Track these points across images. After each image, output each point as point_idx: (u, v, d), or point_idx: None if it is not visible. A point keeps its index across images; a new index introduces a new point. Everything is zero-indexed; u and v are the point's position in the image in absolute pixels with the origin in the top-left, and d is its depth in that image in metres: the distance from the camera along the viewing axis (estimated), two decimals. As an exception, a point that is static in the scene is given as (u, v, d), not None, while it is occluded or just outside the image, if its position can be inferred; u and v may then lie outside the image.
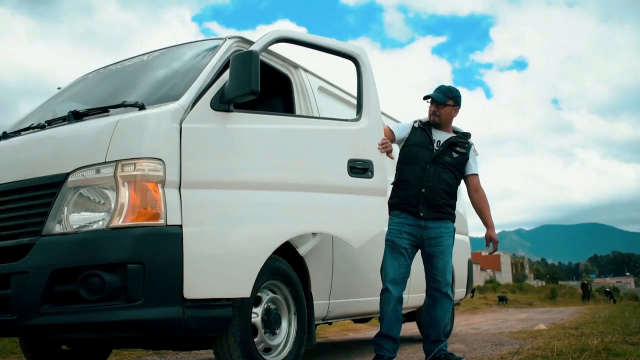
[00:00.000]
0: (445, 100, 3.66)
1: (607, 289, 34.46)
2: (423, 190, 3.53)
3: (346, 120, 3.37)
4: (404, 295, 3.63)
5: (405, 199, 3.58)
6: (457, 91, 3.74)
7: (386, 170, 3.43)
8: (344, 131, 3.31)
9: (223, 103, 2.75)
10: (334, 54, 3.40)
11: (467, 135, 3.80)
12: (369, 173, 3.30)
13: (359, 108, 3.41)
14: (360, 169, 3.27)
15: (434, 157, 3.60)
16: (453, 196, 3.67)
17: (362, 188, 3.26)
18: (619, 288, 51.44)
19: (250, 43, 3.34)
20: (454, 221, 3.70)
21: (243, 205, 2.78)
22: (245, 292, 2.72)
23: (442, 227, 3.58)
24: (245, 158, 2.84)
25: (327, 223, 3.17)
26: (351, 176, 3.22)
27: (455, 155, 3.65)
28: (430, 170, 3.56)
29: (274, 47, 3.38)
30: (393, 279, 3.52)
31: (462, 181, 3.82)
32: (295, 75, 3.74)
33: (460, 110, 3.75)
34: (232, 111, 2.79)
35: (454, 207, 3.70)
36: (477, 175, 3.77)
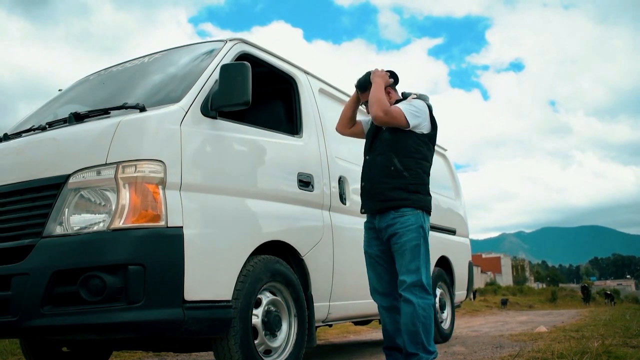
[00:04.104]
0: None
1: (608, 292, 34.47)
2: (363, 184, 3.27)
3: (291, 135, 3.52)
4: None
5: (360, 200, 3.34)
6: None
7: (322, 184, 3.60)
8: (294, 145, 3.47)
9: (212, 110, 2.82)
10: (270, 73, 3.63)
11: (405, 96, 3.33)
12: (311, 186, 3.47)
13: (300, 125, 3.62)
14: (304, 182, 3.43)
15: (369, 145, 3.31)
16: (398, 176, 3.10)
17: (305, 200, 3.42)
18: (620, 290, 51.40)
19: (250, 45, 3.37)
20: (415, 206, 3.08)
21: (231, 209, 2.83)
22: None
23: (397, 224, 3.07)
24: (230, 165, 2.90)
25: (287, 232, 3.22)
26: (299, 188, 3.36)
27: (384, 127, 3.22)
28: (367, 161, 3.29)
29: (277, 49, 3.52)
30: (377, 289, 3.28)
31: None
32: (298, 76, 3.76)
33: (393, 89, 3.35)
34: (216, 118, 2.86)
35: (406, 189, 3.09)
36: (397, 108, 3.13)
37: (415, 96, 3.28)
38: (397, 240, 3.07)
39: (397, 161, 3.11)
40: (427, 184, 3.22)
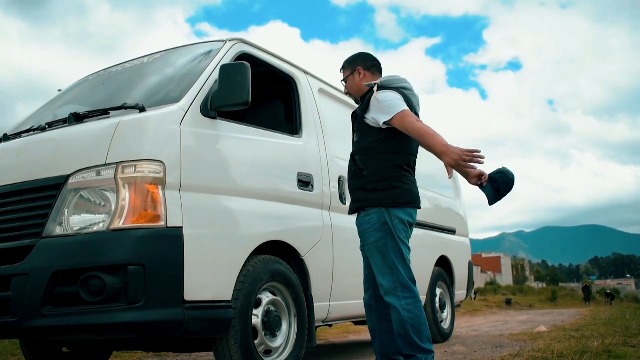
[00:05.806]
0: (343, 72, 3.15)
1: (608, 291, 34.51)
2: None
3: (291, 135, 3.52)
4: None
5: None
6: (352, 55, 3.18)
7: (322, 184, 3.60)
8: (294, 145, 3.48)
9: (211, 110, 2.82)
10: (269, 73, 3.64)
11: (369, 86, 2.99)
12: (311, 186, 3.47)
13: (299, 125, 3.61)
14: (304, 182, 3.43)
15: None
16: (359, 176, 2.94)
17: (305, 200, 3.42)
18: (620, 290, 51.44)
19: (250, 45, 3.37)
20: (376, 204, 2.86)
21: (231, 210, 2.83)
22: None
23: (363, 224, 2.92)
24: (230, 165, 2.89)
25: (287, 232, 3.22)
26: (299, 188, 3.36)
27: (356, 125, 3.04)
28: None
29: (277, 49, 3.54)
30: (364, 285, 3.10)
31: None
32: (298, 77, 3.76)
33: (366, 69, 3.08)
34: (216, 118, 2.86)
35: (365, 188, 2.90)
36: (394, 117, 2.81)
37: (376, 89, 2.93)
38: (366, 242, 2.95)
39: (359, 161, 2.95)
40: (393, 177, 2.87)
